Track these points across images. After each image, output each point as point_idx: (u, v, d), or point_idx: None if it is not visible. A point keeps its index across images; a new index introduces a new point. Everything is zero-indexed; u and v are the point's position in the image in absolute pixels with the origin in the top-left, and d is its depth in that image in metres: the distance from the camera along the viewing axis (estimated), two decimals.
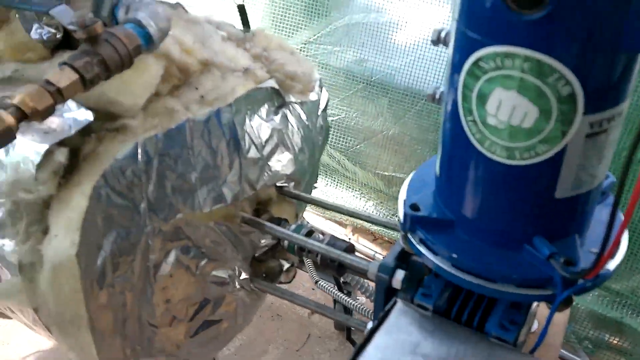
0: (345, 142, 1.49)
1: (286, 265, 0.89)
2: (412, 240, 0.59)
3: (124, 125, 0.66)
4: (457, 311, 0.57)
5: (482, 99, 0.47)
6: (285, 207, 0.97)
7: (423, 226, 0.59)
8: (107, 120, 0.67)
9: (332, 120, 1.49)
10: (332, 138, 1.51)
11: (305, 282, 1.54)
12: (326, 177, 1.61)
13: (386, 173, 1.47)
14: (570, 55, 0.41)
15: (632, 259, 1.17)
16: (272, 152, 0.84)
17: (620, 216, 0.53)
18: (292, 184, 0.93)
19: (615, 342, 1.28)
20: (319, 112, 1.05)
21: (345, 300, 0.92)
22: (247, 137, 0.77)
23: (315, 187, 1.21)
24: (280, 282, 0.93)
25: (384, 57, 1.32)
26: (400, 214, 0.60)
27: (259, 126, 0.81)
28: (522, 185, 0.49)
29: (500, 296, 0.53)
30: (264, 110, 0.84)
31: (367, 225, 1.60)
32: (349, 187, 1.60)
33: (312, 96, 0.99)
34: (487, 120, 0.47)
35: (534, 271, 0.52)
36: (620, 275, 1.22)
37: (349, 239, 1.62)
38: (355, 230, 1.64)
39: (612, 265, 0.52)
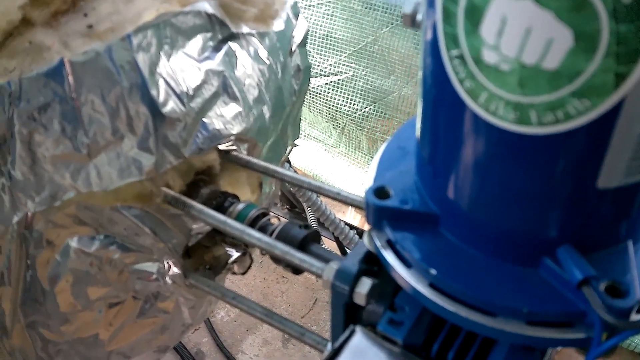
0: (353, 105, 1.47)
1: (235, 255, 0.74)
2: (377, 241, 0.43)
3: None
4: (438, 350, 0.42)
5: (474, 16, 0.29)
6: (241, 177, 0.81)
7: (392, 222, 0.43)
8: None
9: (339, 80, 1.44)
10: (338, 100, 1.48)
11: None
12: (327, 151, 1.58)
13: None
14: None
15: None
16: (208, 104, 0.67)
17: None
18: (246, 146, 0.77)
19: None
20: (293, 48, 0.87)
21: None
22: (162, 84, 0.60)
23: (296, 146, 1.05)
24: (234, 273, 0.79)
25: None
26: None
27: (185, 68, 0.64)
28: (541, 167, 0.32)
29: (503, 338, 0.38)
30: (194, 44, 0.66)
31: None
32: (352, 163, 1.55)
33: (277, 25, 0.80)
34: (482, 55, 0.30)
35: (556, 301, 0.36)
36: None
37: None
38: None
39: None
